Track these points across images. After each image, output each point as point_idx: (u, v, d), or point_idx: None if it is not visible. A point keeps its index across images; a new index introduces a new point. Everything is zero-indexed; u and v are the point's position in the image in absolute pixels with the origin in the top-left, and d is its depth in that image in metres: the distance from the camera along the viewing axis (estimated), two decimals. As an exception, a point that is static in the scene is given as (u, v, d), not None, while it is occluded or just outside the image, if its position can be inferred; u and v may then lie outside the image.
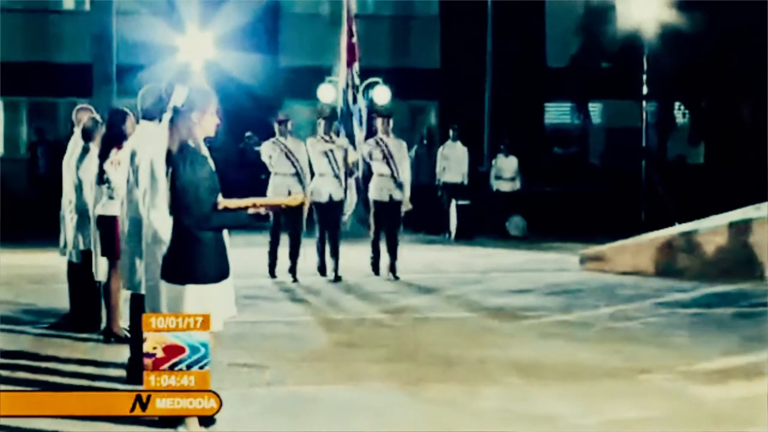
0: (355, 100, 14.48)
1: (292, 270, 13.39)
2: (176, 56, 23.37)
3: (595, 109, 29.51)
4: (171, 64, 22.16)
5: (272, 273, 13.65)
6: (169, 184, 6.15)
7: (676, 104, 27.19)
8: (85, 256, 9.69)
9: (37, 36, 27.37)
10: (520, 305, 11.57)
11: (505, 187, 21.74)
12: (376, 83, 24.18)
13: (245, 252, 12.37)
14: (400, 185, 13.53)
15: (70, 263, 10.15)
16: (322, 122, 13.59)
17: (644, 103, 25.35)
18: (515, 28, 26.57)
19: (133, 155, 7.69)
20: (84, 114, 10.15)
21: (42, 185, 23.18)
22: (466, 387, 7.89)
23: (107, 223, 9.13)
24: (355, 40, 14.55)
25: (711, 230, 14.66)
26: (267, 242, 13.72)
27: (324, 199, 13.25)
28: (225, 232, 6.26)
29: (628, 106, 26.89)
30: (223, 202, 6.13)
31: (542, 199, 22.71)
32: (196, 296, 6.02)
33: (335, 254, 13.40)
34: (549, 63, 28.06)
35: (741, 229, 14.31)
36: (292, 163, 13.23)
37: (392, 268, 13.63)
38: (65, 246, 10.16)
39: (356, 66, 14.54)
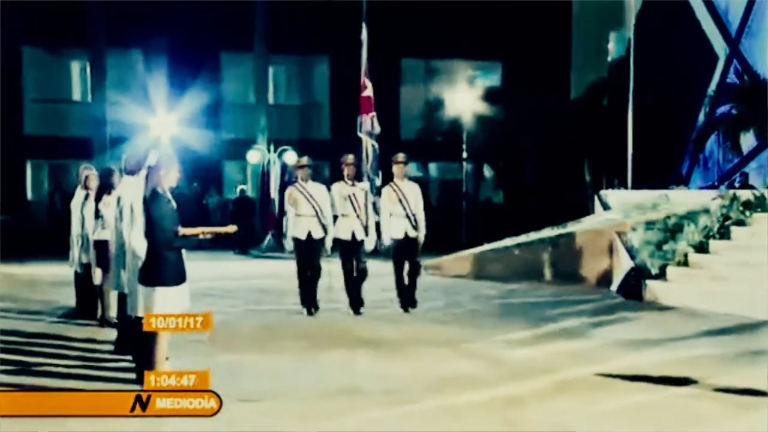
0: (373, 147, 11.04)
1: (313, 302, 10.44)
2: (150, 131, 23.04)
3: (432, 167, 29.88)
4: (146, 137, 21.84)
5: (309, 309, 10.40)
6: (144, 218, 6.08)
7: (485, 164, 27.67)
8: (87, 267, 9.47)
9: (55, 118, 27.12)
10: (384, 299, 11.48)
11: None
12: (287, 149, 24.09)
13: (202, 264, 12.12)
14: (415, 225, 10.60)
15: (75, 273, 9.96)
16: (345, 168, 10.58)
17: (464, 163, 25.70)
18: (380, 111, 26.62)
19: (119, 199, 7.54)
20: (86, 171, 9.96)
21: (57, 220, 22.69)
22: (346, 356, 7.82)
23: (101, 245, 8.90)
24: (365, 94, 11.49)
25: (508, 247, 14.87)
26: (296, 278, 10.55)
27: (348, 237, 10.40)
28: (183, 250, 6.15)
29: (454, 166, 27.27)
30: (181, 230, 6.05)
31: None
32: (163, 295, 5.92)
33: (358, 288, 10.47)
34: (402, 136, 28.29)
35: (527, 247, 14.55)
36: (313, 206, 10.27)
37: (412, 299, 10.68)
38: (73, 261, 9.92)
39: (370, 116, 11.27)
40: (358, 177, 10.72)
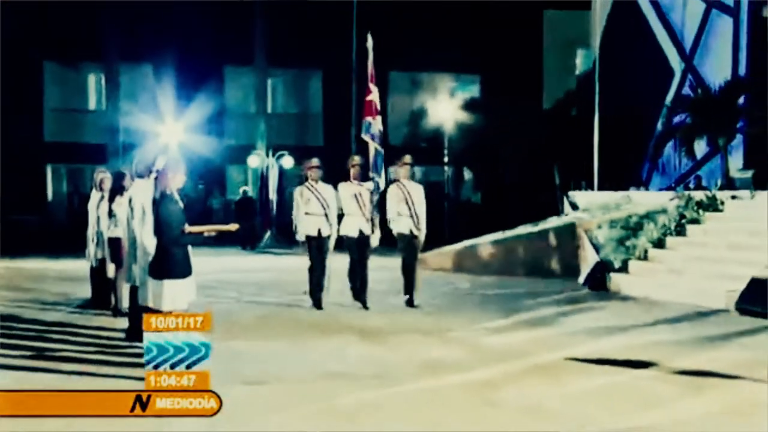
0: (375, 150, 10.55)
1: (320, 296, 10.02)
2: (159, 138, 22.99)
3: (416, 170, 29.80)
4: (156, 143, 21.77)
5: (317, 303, 9.93)
6: (153, 217, 6.04)
7: (465, 168, 27.67)
8: (101, 262, 9.44)
9: (73, 126, 26.97)
10: (373, 290, 11.39)
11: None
12: (284, 154, 24.02)
13: (206, 259, 12.05)
14: (418, 223, 10.11)
15: (91, 267, 9.89)
16: (352, 169, 10.11)
17: (446, 167, 25.70)
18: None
19: (131, 200, 7.54)
20: (100, 174, 9.91)
21: (75, 219, 22.57)
22: (338, 342, 7.77)
23: (114, 242, 8.92)
24: (369, 98, 10.81)
25: (484, 244, 14.90)
26: (308, 273, 10.00)
27: (354, 234, 10.00)
28: (189, 246, 6.12)
29: (437, 169, 27.24)
30: (188, 228, 6.02)
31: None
32: (170, 287, 5.89)
33: (363, 283, 10.16)
34: (390, 142, 28.19)
35: (503, 243, 14.58)
36: (322, 205, 9.81)
37: (409, 293, 10.33)
38: (89, 256, 9.85)
39: (373, 119, 10.69)
40: (363, 177, 10.31)
